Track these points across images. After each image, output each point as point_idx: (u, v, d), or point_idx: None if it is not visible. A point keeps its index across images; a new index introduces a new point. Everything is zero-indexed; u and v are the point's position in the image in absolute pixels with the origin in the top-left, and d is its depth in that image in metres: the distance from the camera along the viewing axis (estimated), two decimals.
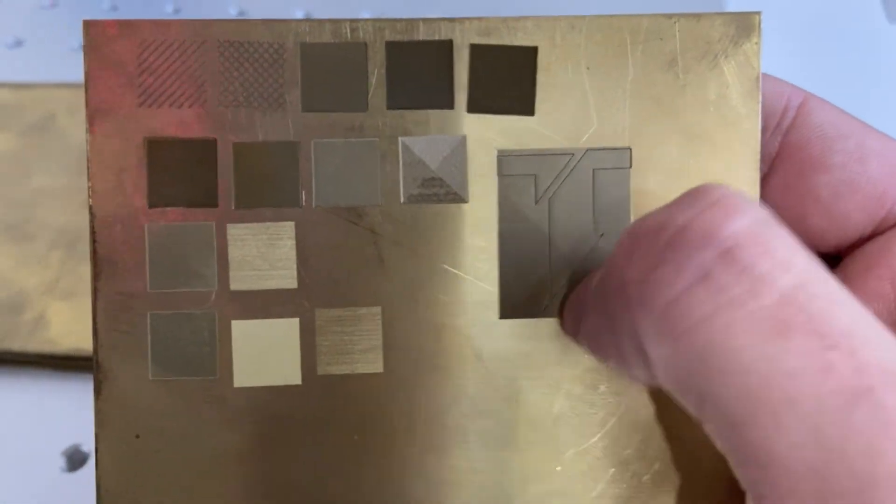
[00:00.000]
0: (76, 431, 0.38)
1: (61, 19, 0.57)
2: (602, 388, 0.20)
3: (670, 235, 0.15)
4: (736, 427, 0.14)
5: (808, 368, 0.14)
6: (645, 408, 0.20)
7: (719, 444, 0.15)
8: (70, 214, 0.44)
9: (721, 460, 0.17)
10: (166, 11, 0.56)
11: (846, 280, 0.20)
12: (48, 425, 0.38)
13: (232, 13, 0.54)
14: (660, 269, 0.15)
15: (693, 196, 0.15)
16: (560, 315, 0.20)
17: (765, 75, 0.20)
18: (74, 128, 0.48)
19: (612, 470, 0.20)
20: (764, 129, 0.20)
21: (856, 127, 0.20)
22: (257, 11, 0.54)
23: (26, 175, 0.46)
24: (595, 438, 0.20)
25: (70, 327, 0.39)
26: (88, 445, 0.37)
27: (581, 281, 0.20)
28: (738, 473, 0.15)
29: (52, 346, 0.39)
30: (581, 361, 0.20)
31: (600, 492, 0.20)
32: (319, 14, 0.56)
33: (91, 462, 0.36)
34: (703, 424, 0.15)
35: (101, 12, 0.56)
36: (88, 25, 0.19)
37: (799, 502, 0.13)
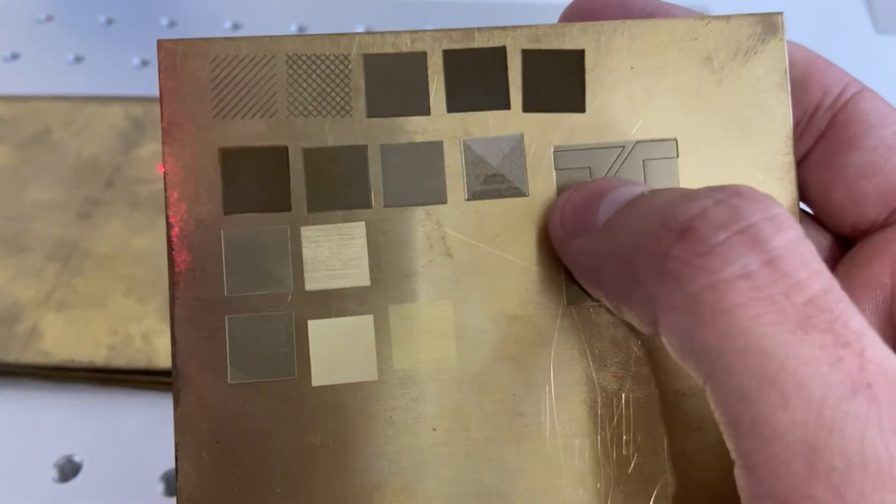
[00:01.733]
0: (69, 442, 0.40)
1: (57, 33, 0.61)
2: (668, 366, 0.22)
3: (728, 235, 0.18)
4: (745, 400, 0.17)
5: (821, 359, 0.17)
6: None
7: (720, 412, 0.18)
8: (65, 227, 0.47)
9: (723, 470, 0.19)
10: (161, 24, 0.58)
11: (852, 265, 0.23)
12: (41, 436, 0.40)
13: (292, 29, 0.56)
14: (709, 258, 0.18)
15: (753, 202, 0.18)
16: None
17: (830, 63, 0.24)
18: (70, 141, 0.51)
19: (671, 439, 0.23)
20: (818, 105, 0.23)
21: None
22: (318, 26, 0.57)
23: (22, 188, 0.49)
24: (659, 416, 0.23)
25: (64, 339, 0.42)
26: (80, 456, 0.39)
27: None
28: (734, 443, 0.17)
29: (46, 358, 0.41)
30: (646, 343, 0.22)
31: (667, 460, 0.23)
32: (376, 26, 0.59)
33: (83, 473, 0.39)
34: (707, 389, 0.18)
35: (98, 25, 0.59)
36: (162, 45, 0.22)
37: (790, 472, 0.16)
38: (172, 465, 0.38)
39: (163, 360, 0.41)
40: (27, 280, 0.44)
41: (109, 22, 0.61)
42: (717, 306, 0.17)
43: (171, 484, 0.39)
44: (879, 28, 0.58)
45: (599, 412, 0.22)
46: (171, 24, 0.61)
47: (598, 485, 0.22)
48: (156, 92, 0.51)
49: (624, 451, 0.22)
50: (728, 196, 0.18)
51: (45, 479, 0.39)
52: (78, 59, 0.58)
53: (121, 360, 0.41)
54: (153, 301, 0.43)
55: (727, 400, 0.17)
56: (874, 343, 0.17)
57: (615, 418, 0.22)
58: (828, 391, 0.16)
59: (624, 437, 0.22)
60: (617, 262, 0.20)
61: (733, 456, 0.18)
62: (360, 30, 0.58)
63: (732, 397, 0.17)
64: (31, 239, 0.46)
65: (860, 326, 0.17)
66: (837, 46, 0.57)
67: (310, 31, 0.59)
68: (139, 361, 0.41)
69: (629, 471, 0.22)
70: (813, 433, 0.16)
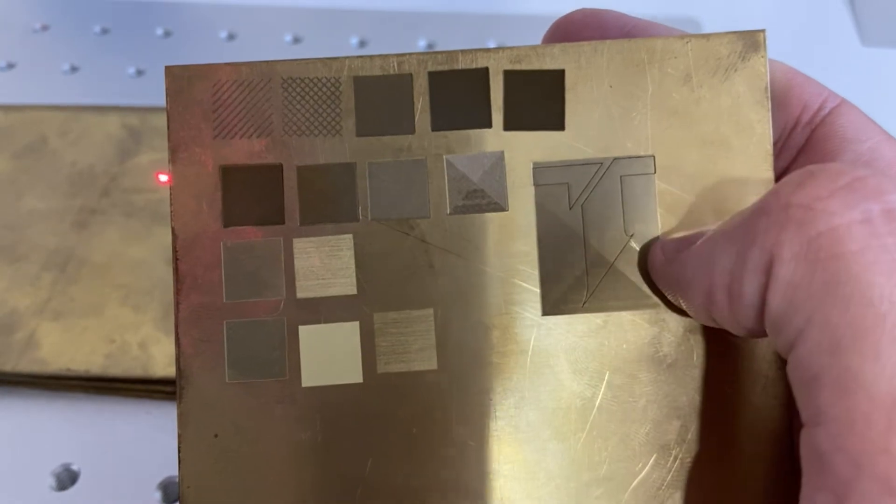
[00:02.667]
0: (66, 451, 0.42)
1: (53, 42, 0.63)
2: (642, 377, 0.25)
3: (848, 180, 0.19)
4: (836, 351, 0.18)
5: None
6: (684, 394, 0.25)
7: (801, 371, 0.19)
8: (61, 236, 0.49)
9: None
10: (157, 34, 0.60)
11: None
12: (38, 445, 0.42)
13: (287, 39, 0.60)
14: (830, 201, 0.19)
15: (869, 162, 0.20)
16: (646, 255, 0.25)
17: (808, 77, 0.25)
18: (66, 150, 0.54)
19: (655, 455, 0.24)
20: (797, 122, 0.25)
21: (876, 134, 0.24)
22: (312, 37, 0.59)
23: (18, 197, 0.51)
24: (636, 426, 0.25)
25: (60, 347, 0.44)
26: (78, 465, 0.41)
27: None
28: (810, 400, 0.18)
29: (43, 367, 0.43)
30: (620, 353, 0.25)
31: (644, 477, 0.24)
32: (369, 38, 0.60)
33: (80, 481, 0.41)
34: (793, 353, 0.19)
35: (93, 34, 0.61)
36: (170, 70, 0.25)
37: (869, 425, 0.17)
38: (170, 473, 0.40)
39: (159, 368, 0.43)
40: (23, 289, 0.47)
41: (105, 31, 0.63)
42: (834, 250, 0.18)
43: (169, 492, 0.41)
44: (866, 41, 0.60)
45: (573, 418, 0.25)
46: (167, 34, 0.63)
47: (571, 486, 0.24)
48: (152, 101, 0.53)
49: (597, 457, 0.25)
50: (831, 164, 0.20)
51: (42, 487, 0.41)
52: (73, 69, 0.61)
53: (117, 369, 0.43)
54: (149, 309, 0.45)
55: (815, 354, 0.18)
56: None
57: (589, 424, 0.24)
58: None
59: (597, 444, 0.25)
60: (734, 240, 0.21)
61: (805, 418, 0.18)
62: (353, 41, 0.60)
63: (822, 350, 0.18)
64: (28, 248, 0.49)
65: None
66: (824, 59, 0.60)
67: (304, 43, 0.62)
68: (135, 370, 0.43)
69: (601, 475, 0.24)
70: None
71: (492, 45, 0.60)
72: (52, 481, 0.41)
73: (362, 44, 0.62)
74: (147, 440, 0.42)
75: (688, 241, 0.23)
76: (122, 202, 0.51)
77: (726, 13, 0.62)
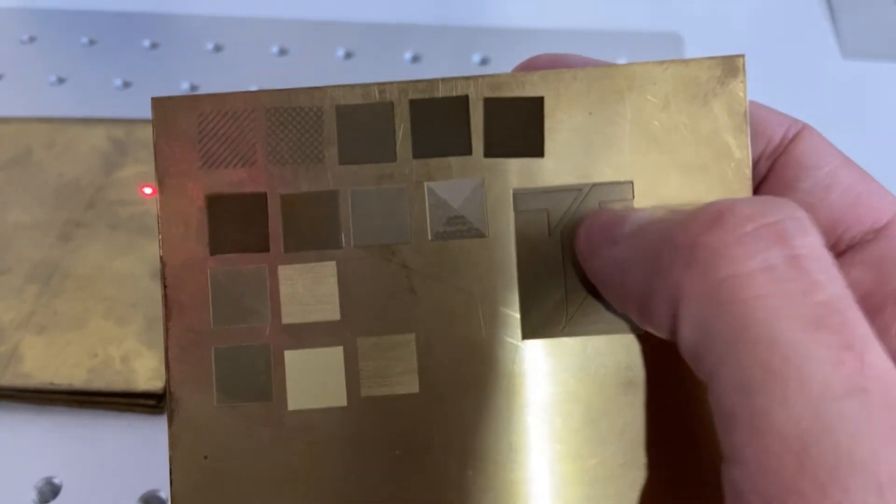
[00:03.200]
0: (48, 464, 0.43)
1: (40, 54, 0.64)
2: (619, 400, 0.26)
3: (755, 227, 0.20)
4: (746, 392, 0.19)
5: (825, 358, 0.18)
6: (662, 418, 0.26)
7: (718, 407, 0.20)
8: (46, 249, 0.50)
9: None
10: (143, 46, 0.61)
11: None
12: (21, 458, 0.44)
13: (274, 51, 0.63)
14: (736, 248, 0.20)
15: (779, 204, 0.21)
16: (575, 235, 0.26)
17: (769, 109, 0.26)
18: (51, 162, 0.55)
19: (633, 477, 0.25)
20: (761, 154, 0.26)
21: (835, 160, 0.26)
22: (298, 49, 0.62)
23: (3, 209, 0.53)
24: (614, 448, 0.26)
25: (44, 361, 0.45)
26: (60, 478, 0.43)
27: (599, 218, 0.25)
28: (727, 438, 0.19)
29: (26, 380, 0.44)
30: (598, 377, 0.26)
31: (622, 495, 0.25)
32: (355, 49, 0.61)
33: (62, 494, 0.42)
34: (710, 386, 0.20)
35: (80, 46, 0.62)
36: (156, 102, 0.26)
37: (780, 467, 0.18)
38: (151, 486, 0.41)
39: (142, 382, 0.44)
40: (8, 301, 0.48)
41: (92, 43, 0.65)
42: (737, 296, 0.19)
43: None
44: (846, 53, 0.62)
45: (554, 440, 0.26)
46: (153, 46, 0.64)
47: None
48: (138, 114, 0.54)
49: (580, 478, 0.26)
50: (752, 198, 0.21)
51: (25, 500, 0.42)
52: (60, 81, 0.62)
53: (100, 383, 0.44)
54: (133, 323, 0.47)
55: (728, 393, 0.19)
56: (876, 351, 0.19)
57: (568, 447, 0.26)
58: (826, 390, 0.18)
59: (577, 465, 0.26)
60: (644, 261, 0.22)
61: (724, 453, 0.19)
62: (339, 53, 0.62)
63: (734, 389, 0.19)
64: (12, 260, 0.50)
65: (865, 333, 0.19)
66: (805, 71, 0.61)
67: (291, 54, 0.63)
68: (118, 384, 0.44)
69: (586, 493, 0.25)
70: (807, 430, 0.18)
71: (476, 58, 0.62)
72: (34, 495, 0.42)
73: (348, 55, 0.63)
74: (129, 453, 0.43)
75: (609, 235, 0.24)
76: (108, 214, 0.52)
77: (708, 28, 0.64)
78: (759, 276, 0.19)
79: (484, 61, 0.62)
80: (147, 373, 0.44)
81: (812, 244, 0.20)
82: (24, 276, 0.49)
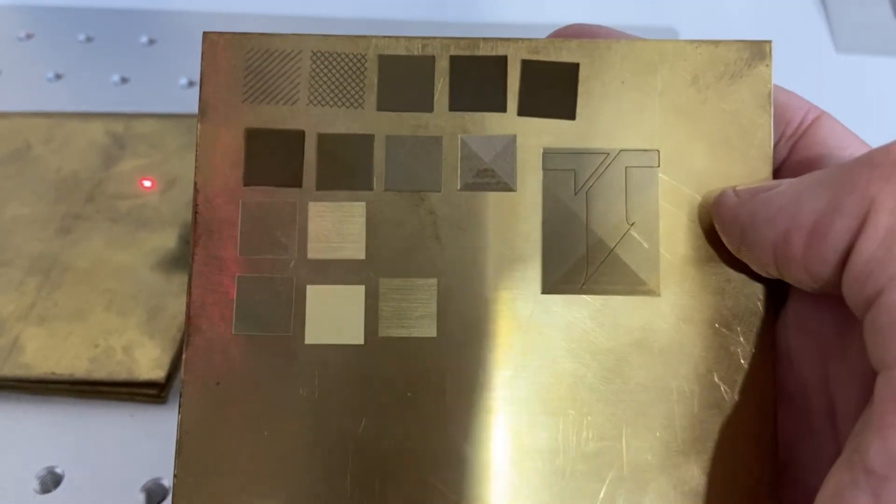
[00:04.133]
0: (50, 454, 0.45)
1: (37, 50, 0.67)
2: (633, 360, 0.28)
3: None
4: None
5: None
6: (673, 380, 0.27)
7: (884, 319, 0.22)
8: (45, 242, 0.52)
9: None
10: (140, 42, 0.63)
11: None
12: (23, 448, 0.45)
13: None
14: None
15: None
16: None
17: (790, 93, 0.29)
18: (49, 157, 0.58)
19: (640, 437, 0.27)
20: (781, 136, 0.29)
21: (855, 142, 0.28)
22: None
23: (2, 203, 0.55)
24: (624, 406, 0.27)
25: (44, 352, 0.47)
26: (62, 468, 0.44)
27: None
28: (884, 350, 0.21)
29: (27, 371, 0.46)
30: (614, 335, 0.28)
31: (629, 458, 0.27)
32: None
33: (64, 484, 0.44)
34: (878, 300, 0.22)
35: (78, 43, 0.65)
36: (207, 36, 0.29)
37: None
38: (153, 475, 0.42)
39: (143, 372, 0.46)
40: (8, 294, 0.50)
41: (89, 40, 0.67)
42: None
43: (152, 494, 0.44)
44: (840, 47, 0.65)
45: (564, 395, 0.28)
46: (150, 42, 0.67)
47: (558, 461, 0.27)
48: (135, 108, 0.55)
49: (584, 434, 0.27)
50: None
51: (27, 490, 0.44)
52: (58, 76, 0.64)
53: (101, 373, 0.46)
54: (133, 314, 0.49)
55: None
56: None
57: (578, 402, 0.28)
58: None
59: (585, 420, 0.27)
60: (831, 182, 0.24)
61: (888, 360, 0.21)
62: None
63: None
64: (13, 253, 0.52)
65: None
66: (800, 65, 0.65)
67: None
68: (120, 374, 0.46)
69: (588, 452, 0.27)
70: None
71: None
72: (36, 484, 0.44)
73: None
74: (131, 443, 0.45)
75: (763, 189, 0.26)
76: (107, 208, 0.54)
77: (703, 23, 0.68)
78: None
79: None
80: (149, 362, 0.46)
81: None
82: (24, 270, 0.51)
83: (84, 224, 0.53)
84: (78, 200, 0.54)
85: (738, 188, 0.27)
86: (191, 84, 0.64)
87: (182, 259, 0.51)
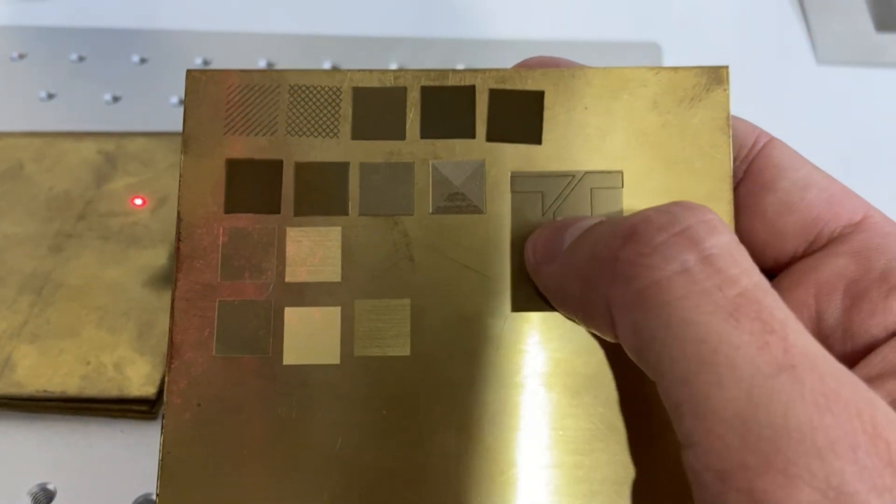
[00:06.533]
0: (42, 471, 0.46)
1: (30, 70, 0.69)
2: (601, 375, 0.29)
3: (668, 236, 0.24)
4: (687, 383, 0.22)
5: (750, 343, 0.21)
6: (639, 395, 0.29)
7: (666, 399, 0.23)
8: (38, 260, 0.54)
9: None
10: (133, 61, 0.65)
11: (778, 291, 0.29)
12: (15, 465, 0.46)
13: (261, 64, 0.68)
14: (651, 257, 0.23)
15: (690, 210, 0.25)
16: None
17: (742, 119, 0.31)
18: (42, 175, 0.59)
19: (601, 448, 0.29)
20: (735, 158, 0.30)
21: (807, 164, 0.30)
22: (285, 63, 0.68)
23: None
24: (592, 420, 0.29)
25: (36, 370, 0.48)
26: (54, 484, 0.45)
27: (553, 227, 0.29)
28: (678, 425, 0.22)
29: (19, 389, 0.47)
30: (583, 349, 0.29)
31: (589, 468, 0.28)
32: (341, 62, 0.65)
33: (56, 501, 0.45)
34: (657, 382, 0.23)
35: (70, 62, 0.66)
36: (190, 73, 0.30)
37: (726, 445, 0.21)
38: (145, 491, 0.44)
39: (134, 388, 0.47)
40: (1, 312, 0.51)
41: (81, 59, 0.69)
42: (661, 300, 0.23)
43: None
44: (820, 59, 0.67)
45: (536, 410, 0.29)
46: (143, 61, 0.68)
47: (529, 473, 0.28)
48: (127, 127, 0.57)
49: (559, 447, 0.29)
50: (667, 206, 0.25)
51: None
52: (50, 96, 0.66)
53: (93, 390, 0.47)
54: (125, 331, 0.50)
55: (672, 386, 0.22)
56: (797, 330, 0.22)
57: (550, 417, 0.29)
58: (756, 371, 0.21)
59: (559, 433, 0.29)
60: (578, 277, 0.26)
61: (680, 440, 0.22)
62: (326, 65, 0.66)
63: (676, 382, 0.22)
64: (5, 272, 0.53)
65: (785, 316, 0.22)
66: (781, 77, 0.66)
67: (278, 67, 0.66)
68: (111, 391, 0.47)
69: (555, 462, 0.29)
70: (743, 408, 0.21)
71: (460, 68, 0.65)
72: (28, 501, 0.45)
73: (335, 67, 0.67)
74: (122, 459, 0.46)
75: (549, 252, 0.28)
76: (98, 226, 0.55)
77: (685, 38, 0.70)
78: (677, 279, 0.23)
79: None
80: (140, 379, 0.47)
81: (722, 243, 0.23)
82: (17, 288, 0.52)
83: (76, 242, 0.54)
84: (70, 219, 0.55)
85: (535, 244, 0.29)
86: (181, 102, 0.64)
87: (172, 276, 0.51)
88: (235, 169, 0.30)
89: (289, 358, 0.29)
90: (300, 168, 0.30)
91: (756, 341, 0.21)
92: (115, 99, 0.65)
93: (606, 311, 0.25)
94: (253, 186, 0.30)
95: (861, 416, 0.20)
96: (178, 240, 0.29)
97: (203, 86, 0.30)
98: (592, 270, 0.26)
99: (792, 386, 0.21)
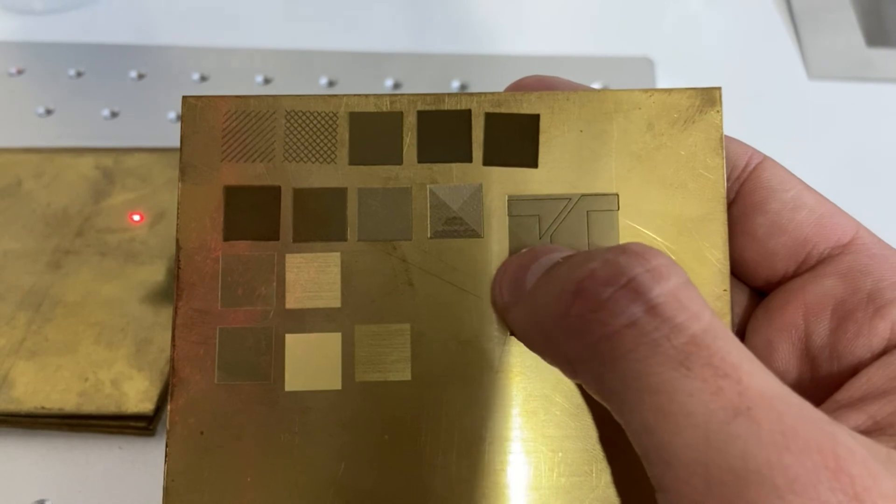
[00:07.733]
0: (40, 487, 0.46)
1: (28, 86, 0.69)
2: (594, 398, 0.29)
3: (613, 291, 0.24)
4: (647, 432, 0.22)
5: (703, 390, 0.22)
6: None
7: (636, 446, 0.23)
8: (36, 276, 0.54)
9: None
10: (130, 77, 0.65)
11: (768, 310, 0.30)
12: (13, 482, 0.46)
13: (258, 80, 0.68)
14: (599, 313, 0.24)
15: (636, 257, 0.24)
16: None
17: (734, 139, 0.31)
18: (40, 191, 0.59)
19: (612, 467, 0.28)
20: (727, 179, 0.30)
21: (797, 185, 0.30)
22: (282, 79, 0.68)
23: None
24: (590, 442, 0.29)
25: (35, 386, 0.48)
26: (52, 500, 0.46)
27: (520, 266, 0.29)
28: (649, 471, 0.22)
29: (18, 405, 0.47)
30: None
31: (588, 488, 0.28)
32: (338, 78, 0.65)
33: None
34: (624, 429, 0.23)
35: (68, 78, 0.66)
36: (186, 100, 0.30)
37: (692, 489, 0.21)
38: None
39: (132, 404, 0.47)
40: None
41: (79, 75, 0.69)
42: (614, 354, 0.23)
43: None
44: (812, 74, 0.67)
45: (536, 432, 0.29)
46: (140, 77, 0.68)
47: (533, 497, 0.29)
48: (125, 142, 0.57)
49: (558, 469, 0.29)
50: (615, 255, 0.24)
51: None
52: (48, 112, 0.66)
53: (91, 407, 0.47)
54: (122, 347, 0.50)
55: (635, 435, 0.23)
56: (752, 371, 0.22)
57: (549, 439, 0.29)
58: (711, 417, 0.21)
59: (557, 457, 0.29)
60: (538, 326, 0.27)
61: (652, 483, 0.22)
62: (322, 81, 0.66)
63: (639, 431, 0.22)
64: (3, 288, 0.53)
65: (738, 358, 0.22)
66: (773, 92, 0.67)
67: (275, 83, 0.68)
68: (108, 407, 0.47)
69: (556, 485, 0.29)
70: (704, 454, 0.21)
71: (455, 84, 0.67)
72: None
73: (331, 84, 0.67)
74: (120, 475, 0.46)
75: (516, 290, 0.28)
76: (96, 242, 0.55)
77: (678, 53, 0.70)
78: (626, 332, 0.23)
79: (463, 87, 0.67)
80: (137, 395, 0.47)
81: (668, 290, 0.23)
82: (15, 304, 0.52)
83: (74, 258, 0.54)
84: (68, 235, 0.55)
85: (501, 284, 0.29)
86: (179, 118, 0.63)
87: (170, 291, 0.51)
88: (233, 196, 0.30)
89: (290, 384, 0.29)
90: (298, 194, 0.30)
91: (709, 387, 0.22)
92: (113, 114, 0.65)
93: (567, 362, 0.25)
94: (251, 213, 0.30)
95: (822, 452, 0.20)
96: (178, 268, 0.29)
97: (199, 112, 0.30)
98: (548, 323, 0.26)
99: (748, 428, 0.21)
